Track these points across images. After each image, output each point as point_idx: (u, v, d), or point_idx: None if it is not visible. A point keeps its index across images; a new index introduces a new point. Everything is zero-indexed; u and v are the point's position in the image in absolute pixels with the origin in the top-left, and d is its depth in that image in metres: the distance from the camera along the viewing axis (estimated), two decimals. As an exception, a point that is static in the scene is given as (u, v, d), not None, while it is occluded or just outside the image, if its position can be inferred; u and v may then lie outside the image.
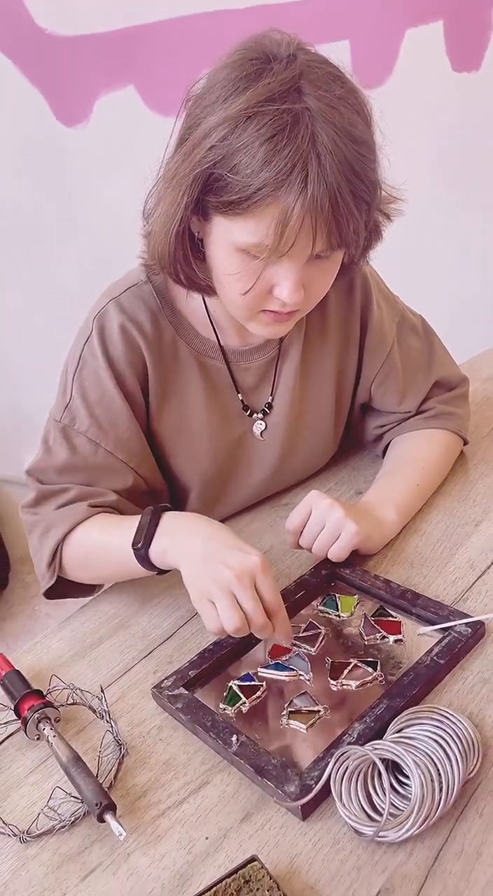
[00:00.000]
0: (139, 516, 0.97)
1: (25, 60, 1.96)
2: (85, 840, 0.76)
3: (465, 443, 1.27)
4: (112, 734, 0.86)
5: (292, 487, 1.26)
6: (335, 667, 0.90)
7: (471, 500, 1.18)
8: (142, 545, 0.94)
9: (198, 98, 0.88)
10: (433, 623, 0.94)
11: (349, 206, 0.83)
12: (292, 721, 0.84)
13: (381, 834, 0.71)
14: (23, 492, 1.08)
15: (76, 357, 1.05)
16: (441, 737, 0.76)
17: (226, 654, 0.93)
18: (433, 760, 0.74)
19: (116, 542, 0.98)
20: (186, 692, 0.88)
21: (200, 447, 1.12)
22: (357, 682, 0.88)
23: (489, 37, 2.28)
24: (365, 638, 0.94)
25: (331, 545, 1.02)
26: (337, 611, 0.99)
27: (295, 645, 0.94)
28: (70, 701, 0.92)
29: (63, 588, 1.07)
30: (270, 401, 1.15)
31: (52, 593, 1.07)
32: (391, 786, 0.74)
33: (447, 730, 0.77)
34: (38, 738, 0.86)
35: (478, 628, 0.91)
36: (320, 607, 1.00)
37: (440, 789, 0.72)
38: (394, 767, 0.75)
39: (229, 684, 0.90)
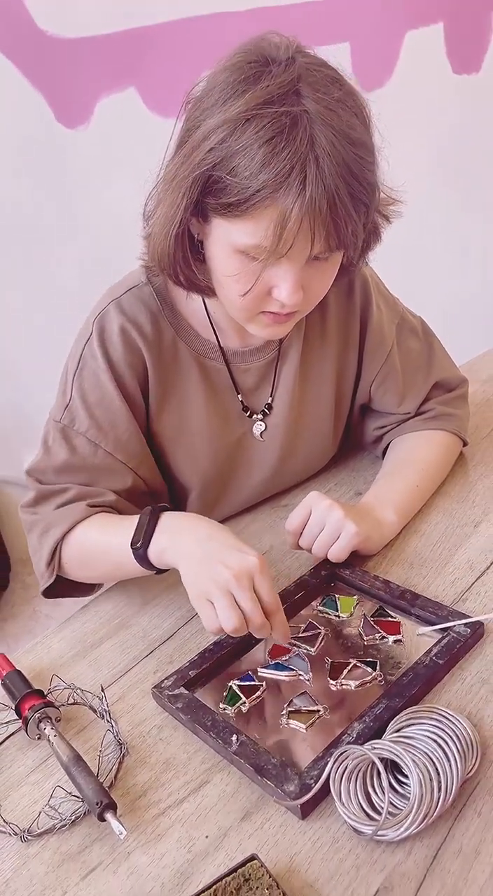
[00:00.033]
0: (138, 516, 0.97)
1: (26, 62, 1.97)
2: (85, 839, 0.77)
3: (464, 444, 1.27)
4: (112, 734, 0.87)
5: (291, 488, 1.27)
6: (335, 667, 0.90)
7: (470, 501, 1.18)
8: (141, 545, 0.94)
9: (197, 101, 0.88)
10: (432, 623, 0.94)
11: (348, 207, 0.84)
12: (291, 721, 0.85)
13: (380, 833, 0.71)
14: (23, 492, 1.09)
15: (76, 358, 1.06)
16: (440, 736, 0.76)
17: (226, 654, 0.93)
18: (431, 760, 0.74)
19: (114, 541, 0.98)
20: (187, 692, 0.89)
21: (199, 448, 1.12)
22: (357, 682, 0.88)
23: (490, 39, 2.29)
24: (365, 638, 0.95)
25: (331, 546, 1.02)
26: (337, 611, 0.99)
27: (295, 645, 0.94)
28: (71, 701, 0.92)
29: (62, 587, 1.08)
30: (269, 402, 1.15)
31: (50, 593, 1.07)
32: (390, 785, 0.74)
33: (446, 729, 0.77)
34: (38, 738, 0.87)
35: (477, 629, 0.91)
36: (320, 608, 1.00)
37: (439, 788, 0.72)
38: (393, 767, 0.76)
39: (229, 684, 0.90)
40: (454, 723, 0.78)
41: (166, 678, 0.91)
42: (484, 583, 1.01)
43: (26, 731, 0.87)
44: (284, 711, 0.86)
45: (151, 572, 0.97)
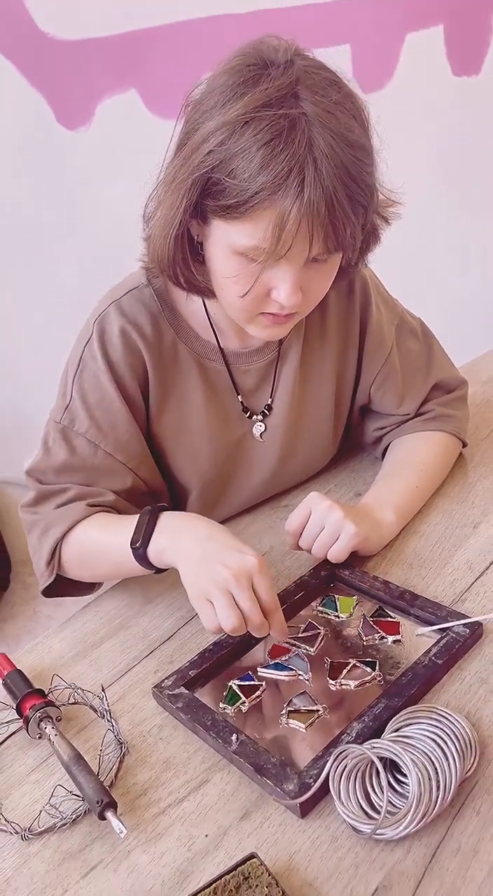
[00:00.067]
0: (137, 515, 0.98)
1: (28, 64, 1.97)
2: (86, 837, 0.77)
3: (464, 445, 1.27)
4: (113, 733, 0.87)
5: (291, 489, 1.27)
6: (334, 667, 0.91)
7: (470, 501, 1.18)
8: (140, 544, 0.95)
9: (197, 103, 0.89)
10: (431, 624, 0.94)
11: (346, 209, 0.84)
12: (291, 720, 0.85)
13: (379, 831, 0.71)
14: (23, 492, 1.09)
15: (76, 359, 1.06)
16: (439, 736, 0.77)
17: (226, 654, 0.94)
18: (430, 759, 0.75)
19: (114, 541, 0.98)
20: (187, 692, 0.89)
21: (199, 449, 1.13)
22: (356, 682, 0.89)
23: (490, 41, 2.30)
24: (364, 638, 0.95)
25: (330, 546, 1.02)
26: (336, 611, 1.00)
27: (294, 645, 0.95)
28: (71, 700, 0.93)
29: (62, 587, 1.08)
30: (269, 402, 1.15)
31: (50, 592, 1.08)
32: (389, 784, 0.74)
33: (445, 729, 0.77)
34: (39, 737, 0.87)
35: (476, 629, 0.92)
36: (320, 608, 1.01)
37: (438, 788, 0.73)
38: (392, 766, 0.76)
39: (229, 684, 0.91)
40: (452, 722, 0.78)
41: (166, 678, 0.92)
42: (483, 583, 1.01)
43: (27, 730, 0.87)
44: (283, 711, 0.86)
45: (151, 571, 0.98)
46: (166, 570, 0.97)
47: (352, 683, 0.88)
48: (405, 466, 1.18)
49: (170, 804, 0.79)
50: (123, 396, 1.05)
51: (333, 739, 0.80)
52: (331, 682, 0.89)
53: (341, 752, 0.76)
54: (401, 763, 0.74)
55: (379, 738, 0.79)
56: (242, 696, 0.89)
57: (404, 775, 0.74)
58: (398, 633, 0.95)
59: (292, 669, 0.92)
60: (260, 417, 1.15)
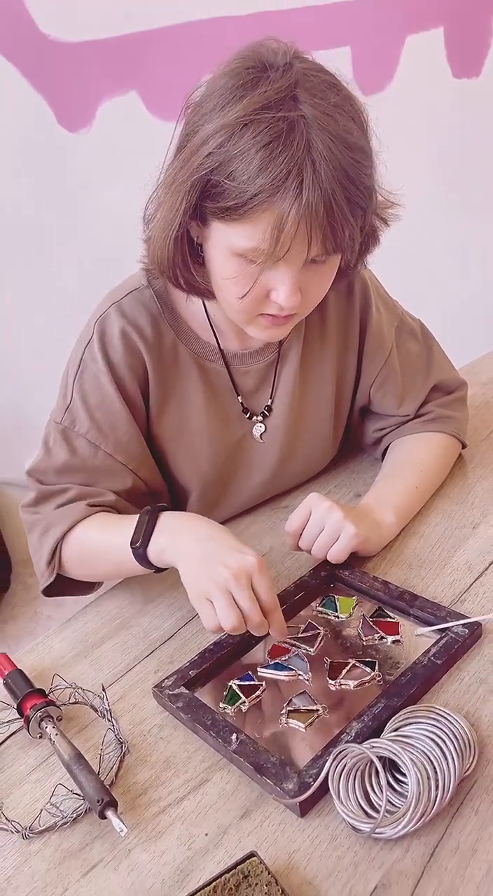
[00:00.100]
0: (137, 515, 0.98)
1: (29, 66, 1.98)
2: (86, 836, 0.77)
3: (463, 446, 1.28)
4: (113, 733, 0.88)
5: (291, 490, 1.27)
6: (334, 667, 0.91)
7: (469, 502, 1.19)
8: (140, 544, 0.95)
9: (196, 106, 0.89)
10: (430, 624, 0.95)
11: (344, 211, 0.85)
12: (290, 720, 0.85)
13: (378, 830, 0.72)
14: (24, 493, 1.10)
15: (77, 360, 1.07)
16: (438, 735, 0.77)
17: (226, 654, 0.94)
18: (429, 758, 0.75)
19: (114, 540, 0.99)
20: (187, 691, 0.89)
21: (200, 449, 1.13)
22: (355, 682, 0.89)
23: (490, 43, 2.30)
24: (364, 638, 0.95)
25: (330, 547, 1.03)
26: (336, 612, 1.00)
27: (294, 645, 0.95)
28: (72, 700, 0.93)
29: (62, 586, 1.09)
30: (269, 403, 1.16)
31: (51, 591, 1.08)
32: (388, 783, 0.75)
33: (444, 728, 0.78)
34: (40, 737, 0.87)
35: (475, 629, 0.92)
36: (320, 608, 1.01)
37: (437, 787, 0.73)
38: (391, 765, 0.76)
39: (229, 684, 0.91)
40: (451, 722, 0.79)
41: (167, 678, 0.92)
42: (482, 584, 1.02)
43: (28, 729, 0.87)
44: (283, 711, 0.87)
45: (151, 571, 0.98)
46: (166, 569, 0.98)
47: (351, 683, 0.89)
48: (405, 467, 1.19)
49: (170, 803, 0.79)
50: (124, 397, 1.05)
51: (332, 739, 0.80)
52: (330, 681, 0.90)
53: (340, 752, 0.76)
54: (400, 762, 0.75)
55: (378, 737, 0.79)
56: (242, 695, 0.89)
57: (404, 775, 0.75)
58: (398, 634, 0.95)
59: (292, 669, 0.92)
60: (260, 418, 1.16)
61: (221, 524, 0.97)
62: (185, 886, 0.71)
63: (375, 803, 0.74)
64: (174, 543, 0.94)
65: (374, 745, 0.77)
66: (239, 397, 1.14)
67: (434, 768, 0.74)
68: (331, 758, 0.76)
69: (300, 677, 0.91)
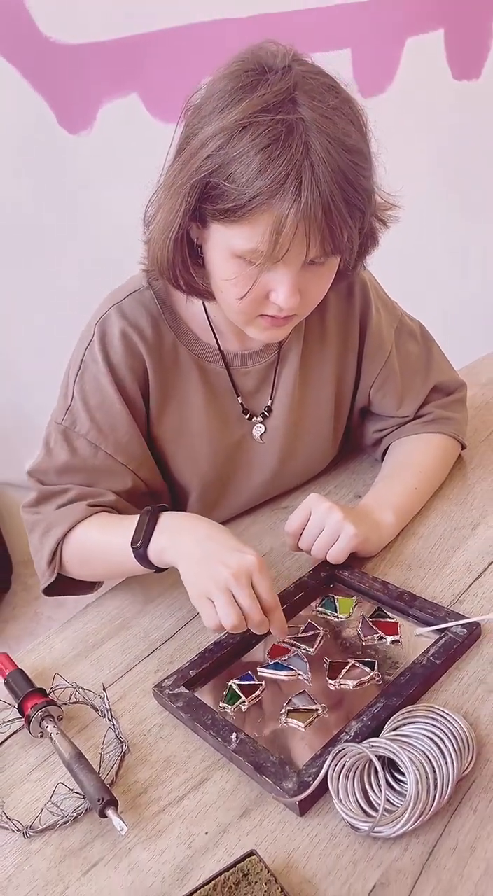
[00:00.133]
0: (137, 516, 0.99)
1: (30, 68, 1.98)
2: (87, 835, 0.78)
3: (463, 447, 1.28)
4: (114, 732, 0.88)
5: (291, 491, 1.28)
6: (333, 667, 0.91)
7: (469, 503, 1.19)
8: (141, 544, 0.95)
9: (196, 108, 0.89)
10: (429, 624, 0.95)
11: (342, 213, 0.85)
12: (290, 719, 0.86)
13: (377, 829, 0.72)
14: (24, 494, 1.10)
15: (78, 361, 1.07)
16: (437, 735, 0.77)
17: (226, 653, 0.94)
18: (428, 758, 0.75)
19: (115, 541, 0.99)
20: (187, 691, 0.90)
21: (200, 450, 1.13)
22: (355, 682, 0.89)
23: (490, 45, 2.30)
24: (363, 639, 0.96)
25: (330, 547, 1.03)
26: (336, 612, 1.00)
27: (294, 645, 0.95)
28: (73, 700, 0.93)
29: (62, 586, 1.09)
30: (269, 404, 1.16)
31: (51, 591, 1.09)
32: (387, 782, 0.75)
33: (443, 728, 0.78)
34: (41, 736, 0.88)
35: (474, 629, 0.92)
36: (319, 608, 1.02)
37: (435, 786, 0.73)
38: (390, 765, 0.77)
39: (229, 683, 0.91)
40: (450, 721, 0.79)
41: (167, 677, 0.92)
42: (481, 584, 1.02)
43: (29, 729, 0.88)
44: (283, 710, 0.87)
45: (151, 571, 0.99)
46: (167, 569, 0.98)
47: (351, 683, 0.89)
48: (405, 468, 1.19)
49: (170, 802, 0.80)
50: (124, 398, 1.06)
51: (331, 738, 0.81)
52: (330, 681, 0.90)
53: (339, 751, 0.77)
54: (399, 762, 0.75)
55: (377, 737, 0.79)
56: (241, 695, 0.89)
57: (402, 774, 0.75)
58: (397, 634, 0.95)
59: (292, 669, 0.92)
60: (260, 419, 1.16)
61: (221, 524, 0.98)
62: (185, 885, 0.72)
63: (374, 802, 0.74)
64: (174, 543, 0.95)
65: (373, 744, 0.77)
66: (239, 398, 1.14)
67: (433, 767, 0.74)
68: (330, 757, 0.76)
69: (300, 677, 0.91)
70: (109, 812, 0.76)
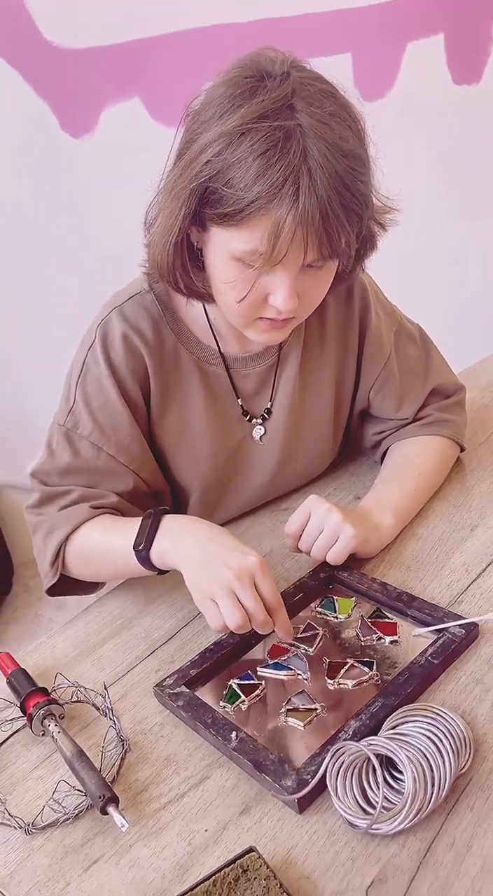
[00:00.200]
0: (140, 518, 0.99)
1: (33, 72, 1.99)
2: (88, 832, 0.78)
3: (462, 449, 1.29)
4: (115, 730, 0.89)
5: (291, 492, 1.28)
6: (333, 666, 0.92)
7: (467, 505, 1.20)
8: (143, 547, 0.96)
9: (196, 114, 0.90)
10: (428, 625, 0.96)
11: (340, 218, 0.86)
12: (290, 718, 0.87)
13: (374, 826, 0.73)
14: (26, 496, 1.11)
15: (80, 363, 1.08)
16: (434, 733, 0.78)
17: (226, 653, 0.95)
18: (425, 756, 0.76)
19: (117, 543, 1.00)
20: (187, 690, 0.90)
21: (200, 452, 1.14)
22: (354, 682, 0.90)
23: (490, 50, 2.31)
24: (362, 639, 0.96)
25: (329, 548, 1.04)
26: (335, 612, 1.01)
27: (294, 645, 0.96)
28: (74, 699, 0.94)
29: (65, 586, 1.10)
30: (269, 406, 1.17)
31: (54, 591, 1.09)
32: (385, 780, 0.76)
33: (440, 727, 0.79)
34: (43, 734, 0.88)
35: (472, 630, 0.93)
36: (319, 609, 1.02)
37: (432, 784, 0.74)
38: (388, 763, 0.77)
39: (229, 683, 0.92)
40: (447, 720, 0.80)
41: (168, 677, 0.93)
42: (479, 585, 1.03)
43: (31, 727, 0.88)
44: (282, 709, 0.88)
45: (153, 573, 0.99)
46: (168, 571, 0.99)
47: (350, 683, 0.90)
48: (404, 470, 1.20)
49: (171, 800, 0.80)
50: (126, 400, 1.07)
51: (330, 737, 0.82)
52: (329, 681, 0.91)
53: (338, 749, 0.77)
54: (397, 760, 0.76)
55: (376, 735, 0.80)
56: (241, 694, 0.90)
57: (400, 772, 0.76)
58: (396, 634, 0.96)
59: (291, 669, 0.93)
60: (260, 421, 1.17)
61: (221, 526, 0.98)
62: (185, 881, 0.72)
63: (372, 800, 0.75)
64: (176, 546, 0.95)
65: (371, 742, 0.78)
66: (239, 400, 1.15)
67: (430, 766, 0.75)
68: (329, 755, 0.77)
69: (299, 677, 0.92)
70: (111, 809, 0.76)
